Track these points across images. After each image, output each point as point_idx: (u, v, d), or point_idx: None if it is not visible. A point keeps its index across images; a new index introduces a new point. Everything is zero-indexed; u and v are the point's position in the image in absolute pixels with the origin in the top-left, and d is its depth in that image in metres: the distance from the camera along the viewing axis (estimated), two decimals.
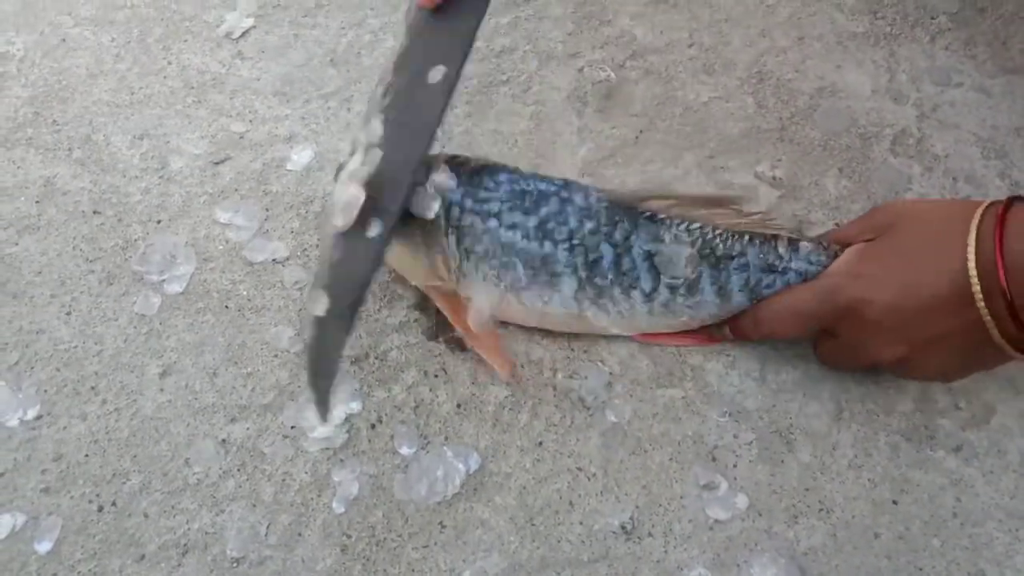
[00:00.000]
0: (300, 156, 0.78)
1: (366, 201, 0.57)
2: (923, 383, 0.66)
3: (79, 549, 0.62)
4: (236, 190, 0.77)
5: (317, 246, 0.73)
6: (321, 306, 0.57)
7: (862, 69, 0.84)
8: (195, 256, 0.73)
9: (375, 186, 0.58)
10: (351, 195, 0.57)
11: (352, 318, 0.56)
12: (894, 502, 0.62)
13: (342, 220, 0.57)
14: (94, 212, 0.76)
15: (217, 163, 0.78)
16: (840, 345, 0.63)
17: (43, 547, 0.61)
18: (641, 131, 0.80)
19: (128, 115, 0.82)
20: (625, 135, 0.79)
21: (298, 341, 0.69)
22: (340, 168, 0.62)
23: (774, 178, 0.76)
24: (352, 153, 0.61)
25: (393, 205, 0.57)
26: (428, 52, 0.61)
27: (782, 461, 0.64)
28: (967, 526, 0.61)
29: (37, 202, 0.77)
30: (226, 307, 0.71)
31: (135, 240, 0.74)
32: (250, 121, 0.81)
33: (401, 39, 0.64)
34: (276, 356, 0.69)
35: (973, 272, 0.55)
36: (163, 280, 0.72)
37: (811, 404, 0.66)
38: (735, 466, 0.63)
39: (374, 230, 0.57)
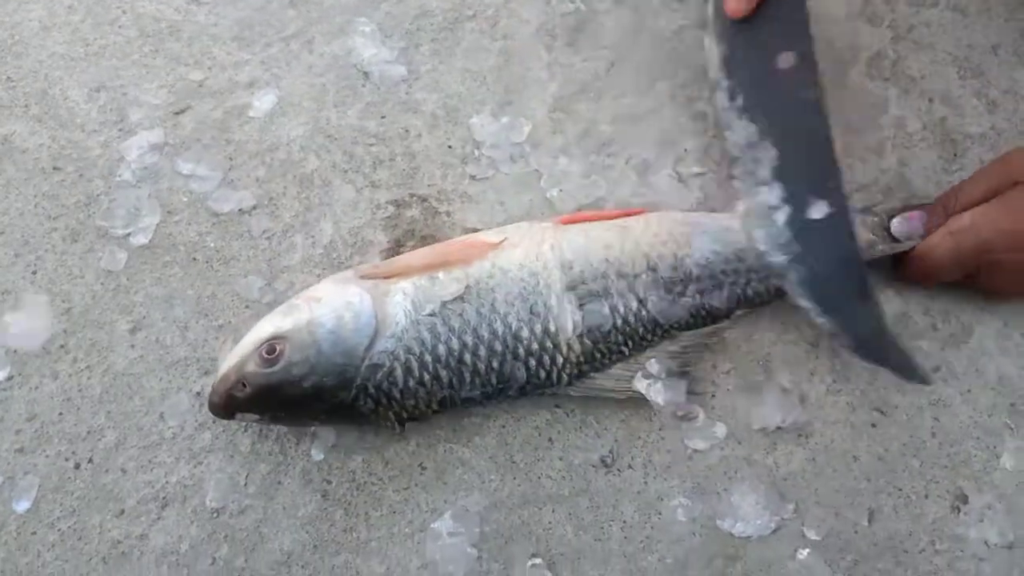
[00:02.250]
0: (262, 102, 0.76)
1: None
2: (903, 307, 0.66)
3: (58, 507, 0.61)
4: (198, 140, 0.75)
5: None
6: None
7: None
8: (159, 208, 0.71)
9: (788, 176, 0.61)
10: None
11: (868, 287, 0.60)
12: (873, 425, 0.62)
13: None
14: (54, 168, 0.74)
15: (177, 113, 0.76)
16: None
17: (21, 506, 0.61)
18: (613, 63, 0.78)
19: (84, 68, 0.79)
20: (596, 68, 0.77)
21: (269, 291, 0.68)
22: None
23: None
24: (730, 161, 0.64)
25: (835, 184, 0.61)
26: (763, 44, 0.64)
27: (760, 389, 0.63)
28: (945, 445, 0.62)
29: None
30: (194, 259, 0.70)
31: (97, 195, 0.73)
32: (209, 68, 0.78)
33: (713, 46, 0.66)
34: (247, 307, 0.68)
35: None
36: (128, 234, 0.70)
37: (789, 332, 0.65)
38: (713, 396, 0.63)
39: (821, 209, 0.60)
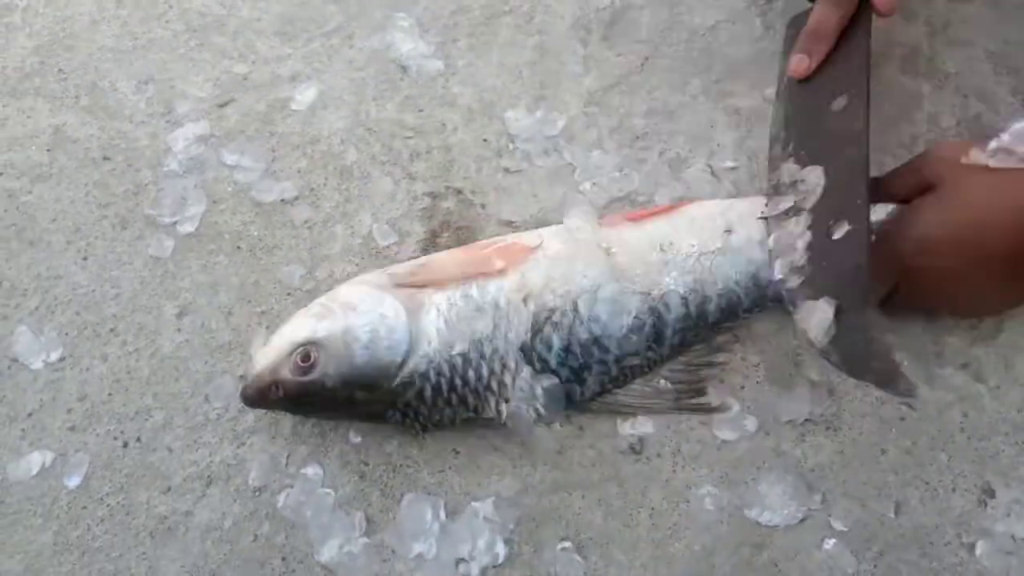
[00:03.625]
0: (304, 95, 0.78)
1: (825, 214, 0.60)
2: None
3: (107, 483, 0.64)
4: (242, 132, 0.77)
5: None
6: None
7: None
8: (205, 198, 0.74)
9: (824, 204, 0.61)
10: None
11: (865, 287, 0.56)
12: (901, 419, 0.63)
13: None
14: (104, 158, 0.77)
15: (222, 105, 0.79)
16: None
17: (73, 482, 0.64)
18: (647, 58, 0.79)
19: (132, 60, 0.82)
20: (631, 63, 0.78)
21: (310, 279, 0.70)
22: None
23: None
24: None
25: (861, 200, 0.58)
26: (821, 93, 0.66)
27: (789, 382, 0.64)
28: (974, 440, 0.62)
29: (48, 150, 0.78)
30: (238, 248, 0.72)
31: (145, 184, 0.75)
32: (253, 62, 0.81)
33: (779, 107, 0.69)
34: (289, 294, 0.70)
35: None
36: (175, 222, 0.73)
37: None
38: (743, 388, 0.64)
39: (842, 229, 0.58)
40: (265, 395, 0.59)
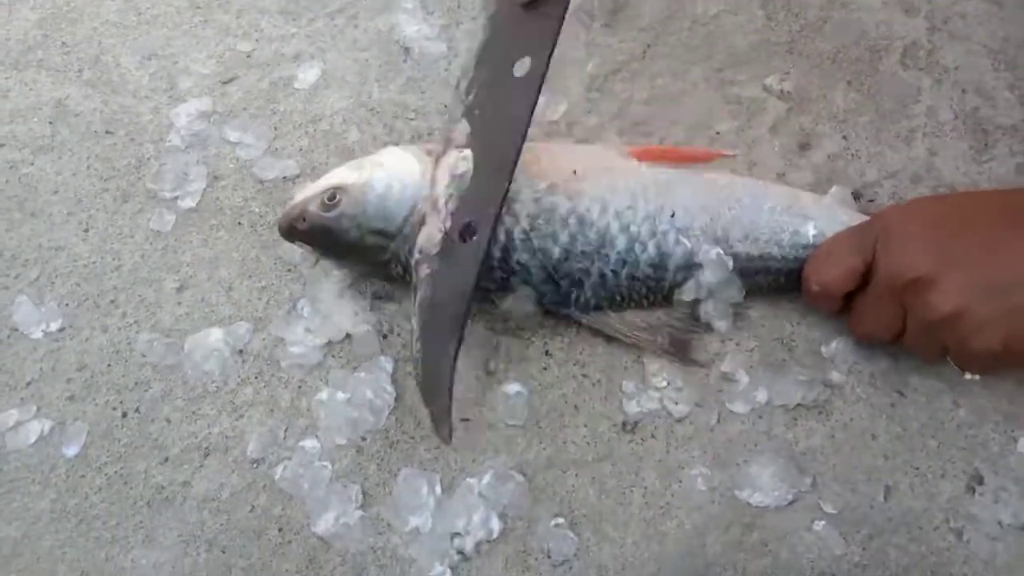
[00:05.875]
0: (307, 74, 0.79)
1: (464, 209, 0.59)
2: None
3: (105, 452, 0.64)
4: (245, 109, 0.77)
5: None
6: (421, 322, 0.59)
7: None
8: (207, 174, 0.74)
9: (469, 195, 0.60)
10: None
11: (461, 328, 0.57)
12: (892, 405, 0.64)
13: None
14: (106, 132, 0.77)
15: (225, 82, 0.79)
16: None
17: (71, 451, 0.64)
18: (649, 45, 0.79)
19: (136, 36, 0.82)
20: (632, 49, 0.79)
21: (310, 256, 0.70)
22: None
23: (782, 91, 0.76)
24: (443, 150, 0.63)
25: (491, 209, 0.58)
26: (513, 44, 0.62)
27: (782, 367, 0.65)
28: (964, 427, 0.63)
29: (50, 123, 0.78)
30: (239, 223, 0.72)
31: (147, 159, 0.75)
32: (256, 40, 0.81)
33: (480, 31, 0.65)
34: (289, 271, 0.70)
35: None
36: (176, 197, 0.73)
37: (812, 312, 0.67)
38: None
39: (470, 232, 0.59)
40: (294, 224, 0.65)
